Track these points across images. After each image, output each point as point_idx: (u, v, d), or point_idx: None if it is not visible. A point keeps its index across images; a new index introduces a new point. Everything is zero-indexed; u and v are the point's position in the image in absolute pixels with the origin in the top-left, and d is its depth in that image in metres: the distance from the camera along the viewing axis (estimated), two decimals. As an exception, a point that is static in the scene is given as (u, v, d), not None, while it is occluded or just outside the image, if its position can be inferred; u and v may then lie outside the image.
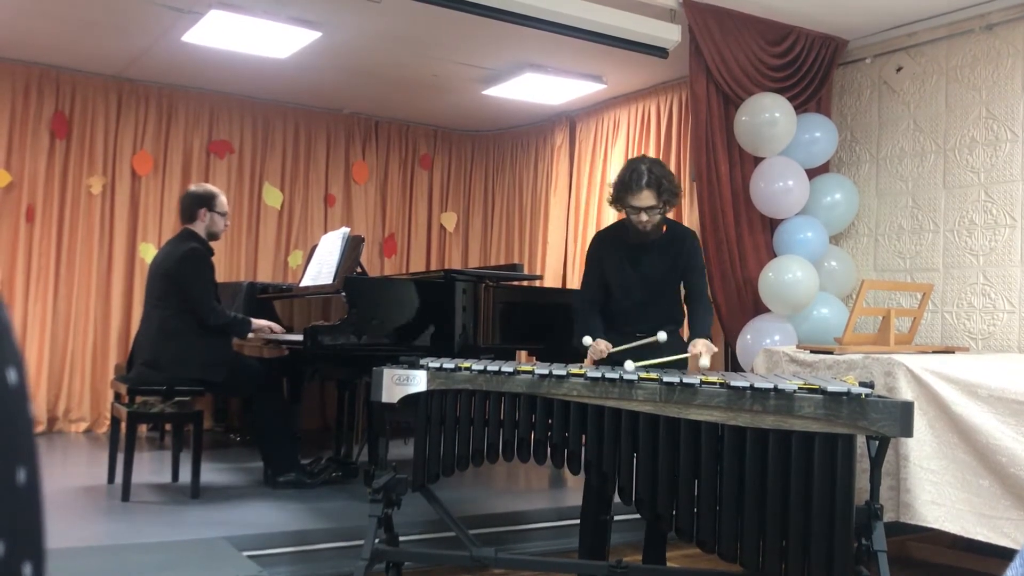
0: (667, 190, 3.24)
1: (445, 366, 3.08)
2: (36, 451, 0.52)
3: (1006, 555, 3.07)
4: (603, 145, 6.82)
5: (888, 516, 3.20)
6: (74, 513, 3.93)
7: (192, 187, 4.76)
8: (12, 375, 0.50)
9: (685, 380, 2.74)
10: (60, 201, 6.34)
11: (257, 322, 4.55)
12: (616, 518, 3.35)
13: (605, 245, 3.50)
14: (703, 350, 3.14)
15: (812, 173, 4.89)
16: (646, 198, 3.23)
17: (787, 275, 4.55)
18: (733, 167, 4.86)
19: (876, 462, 2.72)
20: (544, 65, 5.89)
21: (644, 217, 3.26)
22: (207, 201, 4.53)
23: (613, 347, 3.26)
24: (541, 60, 5.81)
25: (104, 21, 5.30)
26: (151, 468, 4.98)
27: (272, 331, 4.60)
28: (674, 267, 3.41)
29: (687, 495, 2.74)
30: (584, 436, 2.88)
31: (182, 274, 4.36)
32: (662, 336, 3.21)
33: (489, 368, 3.01)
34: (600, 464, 2.86)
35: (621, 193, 3.28)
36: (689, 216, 5.97)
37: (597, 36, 4.62)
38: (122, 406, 4.42)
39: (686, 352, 3.29)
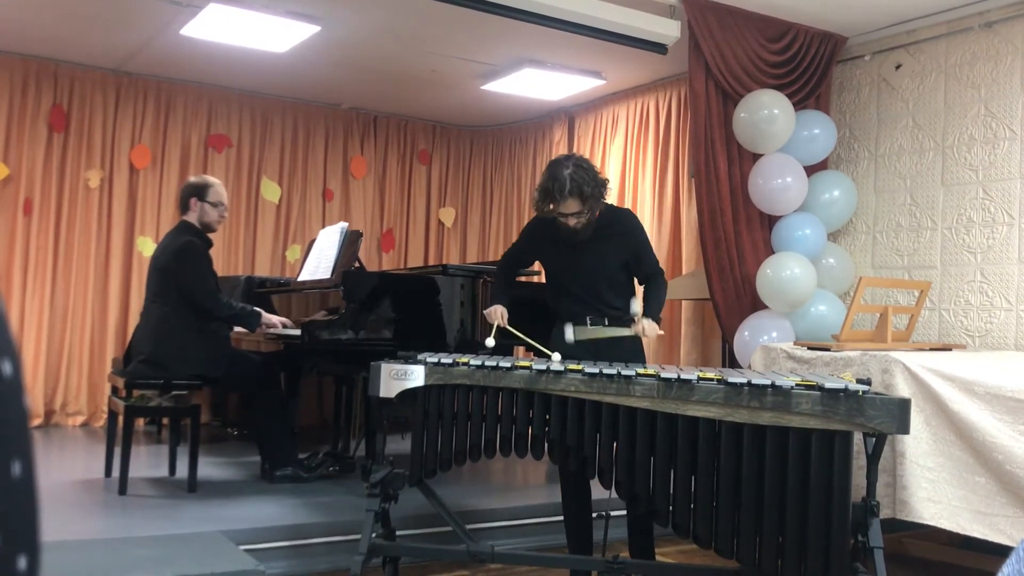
0: (591, 195, 3.18)
1: (443, 361, 3.08)
2: (31, 444, 0.52)
3: (1002, 552, 3.07)
4: (602, 141, 6.82)
5: (885, 513, 3.20)
6: (71, 507, 3.93)
7: (191, 177, 4.77)
8: (6, 366, 0.50)
9: (683, 376, 2.74)
10: (58, 194, 6.33)
11: (268, 317, 4.53)
12: (612, 514, 3.35)
13: (544, 229, 3.41)
14: (646, 329, 3.22)
15: (811, 170, 4.89)
16: (571, 206, 3.20)
17: (785, 272, 4.55)
18: (732, 164, 4.86)
19: (873, 459, 2.72)
20: (543, 61, 5.88)
21: (572, 221, 3.25)
22: (199, 191, 4.52)
23: (509, 326, 3.37)
24: (540, 56, 5.80)
25: (103, 15, 5.29)
26: (148, 462, 4.98)
27: (284, 327, 4.56)
28: (617, 250, 3.37)
29: (684, 491, 2.74)
30: (582, 432, 2.88)
31: (177, 269, 4.35)
32: (556, 357, 3.08)
33: (487, 363, 3.01)
34: (597, 460, 2.86)
35: (544, 202, 3.24)
36: (687, 213, 5.97)
37: (596, 32, 4.61)
38: (119, 400, 4.41)
39: (633, 335, 3.36)
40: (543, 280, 3.78)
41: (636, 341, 3.39)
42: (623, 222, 3.42)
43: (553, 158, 3.36)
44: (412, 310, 4.39)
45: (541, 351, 3.27)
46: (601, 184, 3.23)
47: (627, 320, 3.37)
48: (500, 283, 3.60)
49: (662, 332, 3.28)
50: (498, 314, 3.38)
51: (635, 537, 3.40)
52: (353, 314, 4.21)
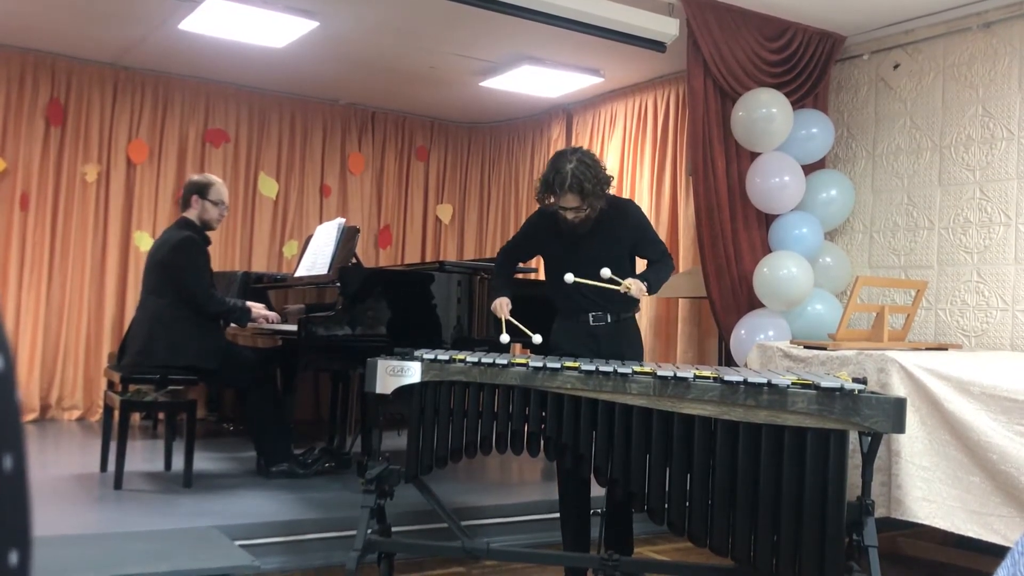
0: (591, 192, 3.16)
1: (439, 358, 3.08)
2: (23, 438, 0.51)
3: (996, 552, 3.08)
4: (600, 138, 6.81)
5: (879, 512, 3.21)
6: (66, 501, 3.93)
7: (194, 175, 4.79)
8: (-1, 360, 0.50)
9: (679, 374, 2.74)
10: (54, 189, 6.32)
11: (256, 308, 4.54)
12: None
13: (545, 222, 3.41)
14: (633, 289, 3.19)
15: (808, 169, 4.89)
16: (569, 200, 3.19)
17: (782, 271, 4.55)
18: (729, 162, 4.86)
19: (868, 458, 2.72)
20: (542, 58, 5.88)
21: (571, 215, 3.25)
22: (200, 188, 4.54)
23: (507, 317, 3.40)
24: (539, 53, 5.79)
25: (101, 8, 5.28)
26: (144, 457, 4.98)
27: (269, 321, 4.59)
28: (618, 242, 3.36)
29: (679, 489, 2.75)
30: (577, 429, 2.88)
31: (175, 263, 4.36)
32: (536, 338, 3.34)
33: (483, 360, 3.01)
34: (593, 458, 2.86)
35: (544, 193, 3.22)
36: (685, 211, 5.97)
37: (595, 29, 4.61)
38: (115, 394, 4.41)
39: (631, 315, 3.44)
40: (542, 277, 3.78)
41: (635, 330, 3.45)
42: (625, 214, 3.40)
43: (559, 149, 3.34)
44: (409, 306, 4.39)
45: (524, 332, 3.36)
46: (604, 181, 3.21)
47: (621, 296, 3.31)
48: (500, 276, 3.60)
49: (645, 294, 3.24)
50: (502, 306, 3.41)
51: (611, 530, 3.39)
52: (350, 310, 4.21)
